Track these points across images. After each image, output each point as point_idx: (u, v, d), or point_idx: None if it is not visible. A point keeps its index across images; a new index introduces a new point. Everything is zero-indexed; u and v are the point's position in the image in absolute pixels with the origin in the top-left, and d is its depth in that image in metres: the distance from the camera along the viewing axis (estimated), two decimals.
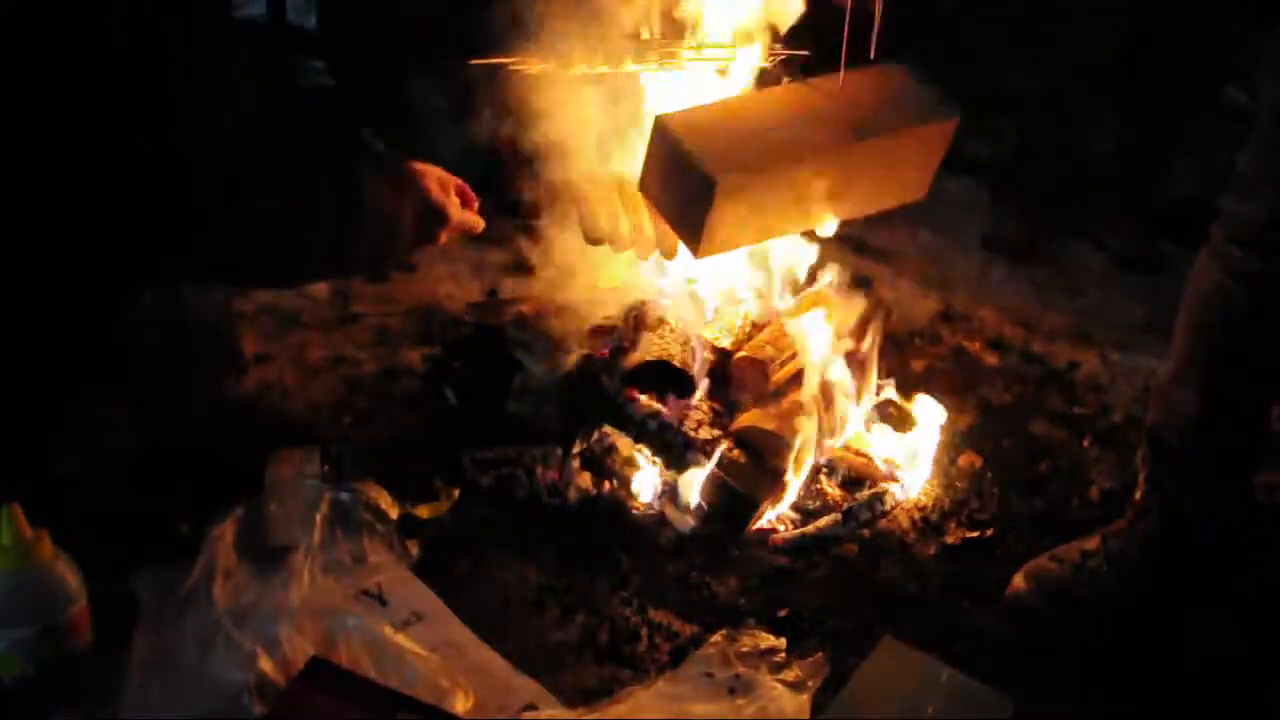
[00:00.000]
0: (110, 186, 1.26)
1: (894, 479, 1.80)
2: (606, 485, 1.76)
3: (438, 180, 1.58)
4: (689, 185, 1.57)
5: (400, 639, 1.38)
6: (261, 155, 1.35)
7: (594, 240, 1.72)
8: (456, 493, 1.71)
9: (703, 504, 1.72)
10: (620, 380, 1.87)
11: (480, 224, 1.63)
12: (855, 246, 2.59)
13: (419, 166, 1.57)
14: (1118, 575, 1.56)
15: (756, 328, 1.94)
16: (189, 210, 1.30)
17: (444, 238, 1.59)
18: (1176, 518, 1.55)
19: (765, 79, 1.81)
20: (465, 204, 1.63)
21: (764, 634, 1.47)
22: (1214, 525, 1.55)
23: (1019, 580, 1.60)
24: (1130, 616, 1.55)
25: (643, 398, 1.84)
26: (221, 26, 1.40)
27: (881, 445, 1.86)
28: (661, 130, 1.60)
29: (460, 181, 1.62)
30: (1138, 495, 1.59)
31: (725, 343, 1.91)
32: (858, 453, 1.84)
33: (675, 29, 1.80)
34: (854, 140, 1.63)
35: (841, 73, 1.68)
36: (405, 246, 1.60)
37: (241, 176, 1.32)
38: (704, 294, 2.00)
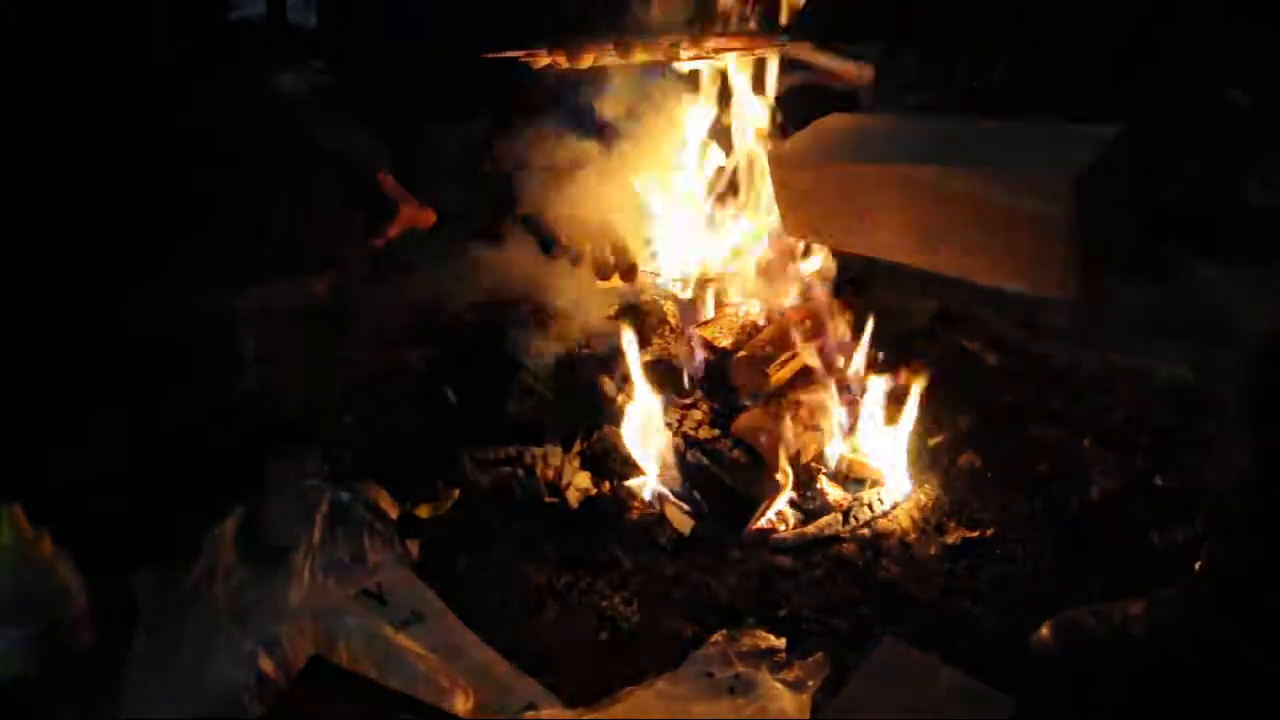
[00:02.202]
0: (87, 182, 1.27)
1: (894, 479, 1.80)
2: (606, 485, 1.76)
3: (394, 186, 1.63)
4: None
5: (400, 639, 1.38)
6: (217, 155, 1.35)
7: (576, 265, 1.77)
8: (456, 493, 1.71)
9: (702, 504, 1.72)
10: (621, 380, 1.87)
11: (431, 219, 1.69)
12: None
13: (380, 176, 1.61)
14: (1157, 646, 1.45)
15: (756, 328, 1.94)
16: (147, 209, 1.31)
17: (394, 231, 1.65)
18: (1231, 589, 1.43)
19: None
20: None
21: (764, 634, 1.47)
22: (1269, 598, 1.42)
23: (1045, 630, 1.51)
24: (1159, 692, 1.44)
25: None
26: (206, 27, 1.41)
27: (882, 445, 1.86)
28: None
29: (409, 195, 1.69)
30: (1198, 565, 1.48)
31: (725, 343, 1.91)
32: (858, 453, 1.84)
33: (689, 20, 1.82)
34: (923, 171, 1.52)
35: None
36: (355, 245, 1.62)
37: (199, 175, 1.33)
38: (704, 294, 2.00)
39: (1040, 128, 1.56)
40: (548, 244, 1.79)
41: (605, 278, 1.80)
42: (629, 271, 1.80)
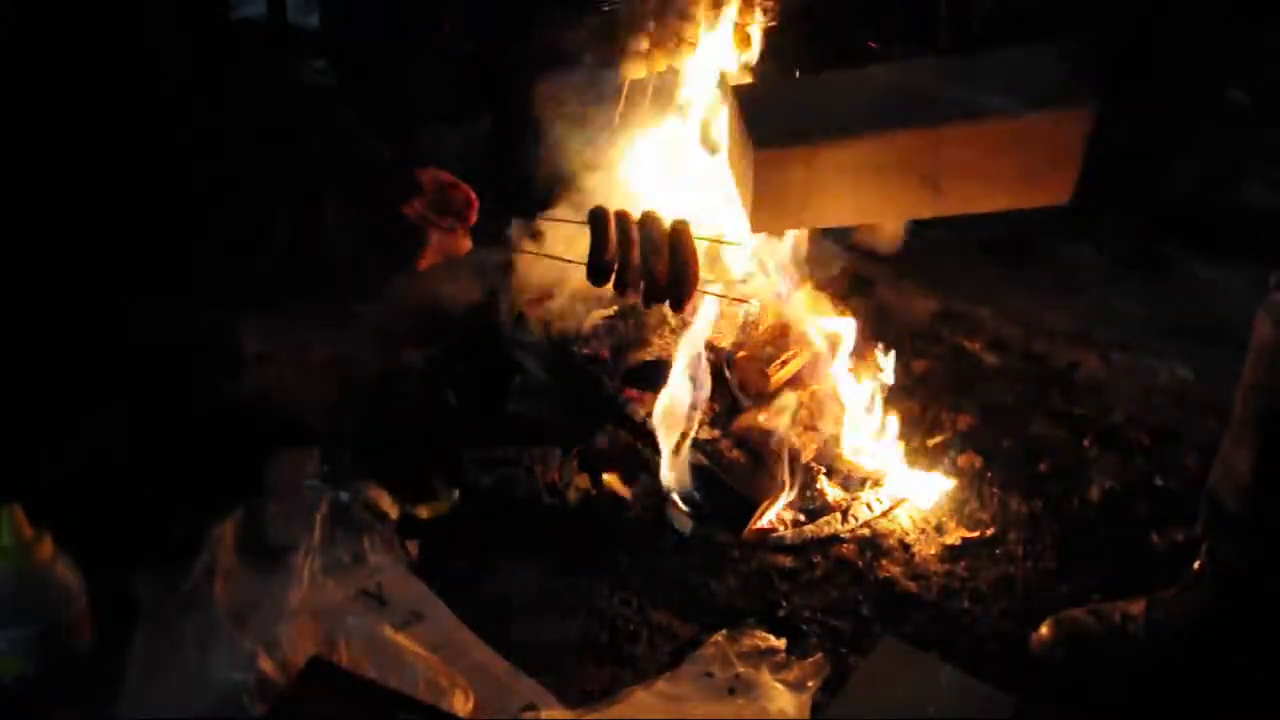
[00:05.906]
0: (86, 182, 1.27)
1: (893, 479, 1.80)
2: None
3: (433, 181, 1.45)
4: (746, 156, 1.51)
5: (400, 639, 1.38)
6: (217, 168, 1.33)
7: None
8: (456, 493, 1.71)
9: (702, 504, 1.72)
10: (620, 380, 1.87)
11: (467, 246, 1.47)
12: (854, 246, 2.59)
13: (416, 172, 1.44)
14: (1157, 646, 1.46)
15: (756, 328, 1.94)
16: (146, 211, 1.30)
17: (425, 263, 1.44)
18: (1231, 589, 1.43)
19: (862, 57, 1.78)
20: (466, 208, 1.47)
21: (764, 634, 1.47)
22: (1268, 598, 1.43)
23: (1045, 629, 1.52)
24: (1158, 692, 1.45)
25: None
26: (213, 32, 1.40)
27: (882, 444, 1.86)
28: (732, 99, 1.57)
29: (461, 184, 1.48)
30: (1196, 564, 1.48)
31: (725, 343, 1.91)
32: (858, 452, 1.84)
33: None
34: (934, 124, 1.48)
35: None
36: (374, 280, 1.53)
37: (197, 187, 1.31)
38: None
39: (1014, 55, 1.57)
40: (600, 265, 1.50)
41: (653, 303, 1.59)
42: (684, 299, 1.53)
